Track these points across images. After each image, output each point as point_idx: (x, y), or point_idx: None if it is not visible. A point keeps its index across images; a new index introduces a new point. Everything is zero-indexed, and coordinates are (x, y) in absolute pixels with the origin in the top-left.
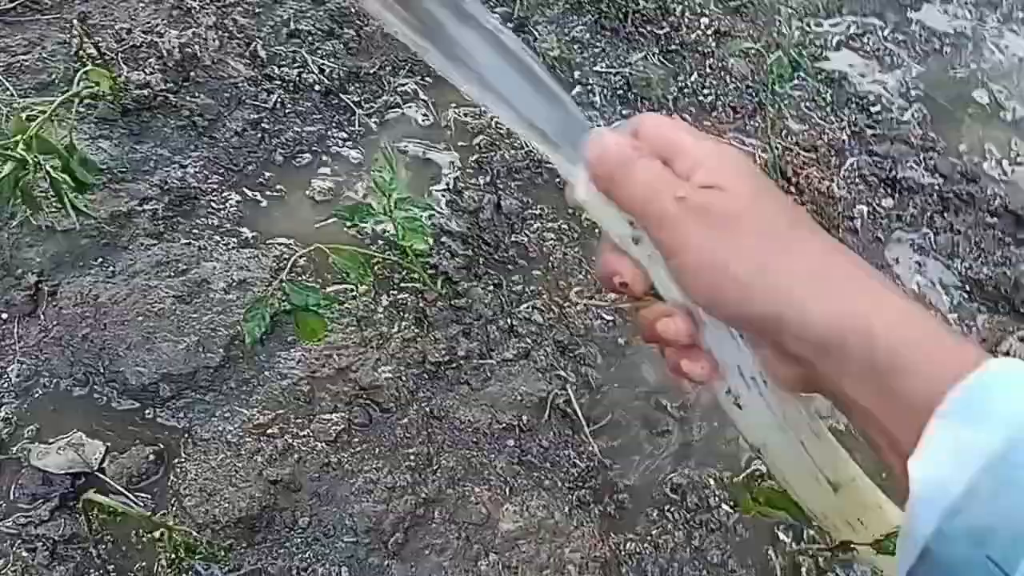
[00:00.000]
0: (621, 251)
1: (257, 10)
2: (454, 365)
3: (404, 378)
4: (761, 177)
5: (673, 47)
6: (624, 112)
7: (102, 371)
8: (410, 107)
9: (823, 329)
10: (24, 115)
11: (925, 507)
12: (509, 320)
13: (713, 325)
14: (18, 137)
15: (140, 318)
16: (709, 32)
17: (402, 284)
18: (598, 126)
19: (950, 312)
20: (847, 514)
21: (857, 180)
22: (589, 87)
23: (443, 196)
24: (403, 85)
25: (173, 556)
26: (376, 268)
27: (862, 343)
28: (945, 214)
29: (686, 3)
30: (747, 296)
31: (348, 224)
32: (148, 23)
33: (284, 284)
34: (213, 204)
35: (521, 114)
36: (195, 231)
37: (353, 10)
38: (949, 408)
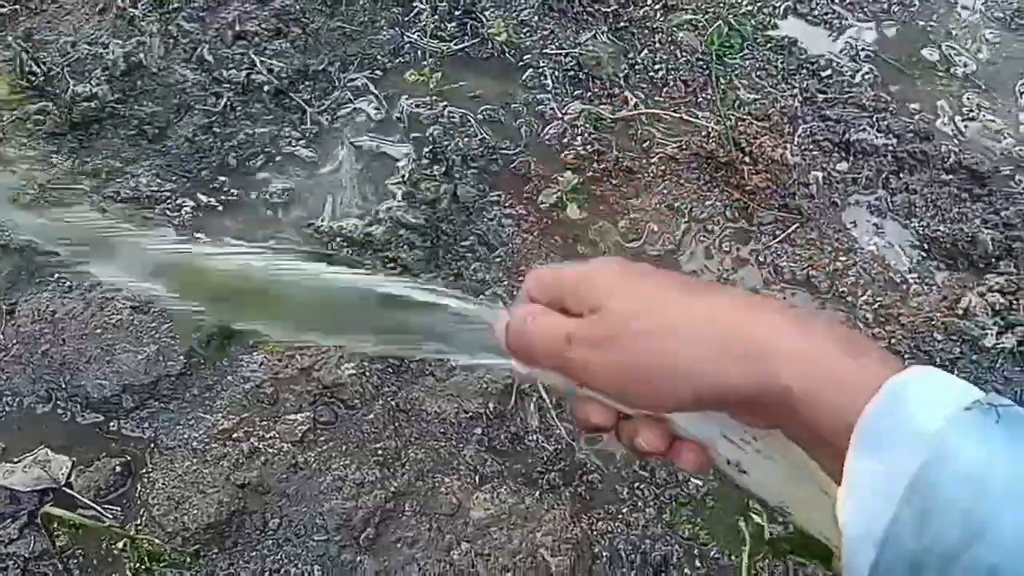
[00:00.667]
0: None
1: (201, 14)
2: (418, 358)
3: (368, 374)
4: (627, 272)
5: (622, 24)
6: (576, 92)
7: (64, 386)
8: (362, 102)
9: (741, 393)
10: None
11: (859, 542)
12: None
13: (680, 418)
14: None
15: (99, 331)
16: (657, 7)
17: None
18: (501, 305)
19: (909, 272)
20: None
21: (811, 146)
22: (540, 70)
23: (399, 189)
24: (353, 80)
25: (139, 566)
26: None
27: (776, 394)
28: (900, 174)
29: None
30: (664, 392)
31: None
32: (92, 35)
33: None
34: (168, 212)
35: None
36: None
37: (299, 7)
38: (860, 439)
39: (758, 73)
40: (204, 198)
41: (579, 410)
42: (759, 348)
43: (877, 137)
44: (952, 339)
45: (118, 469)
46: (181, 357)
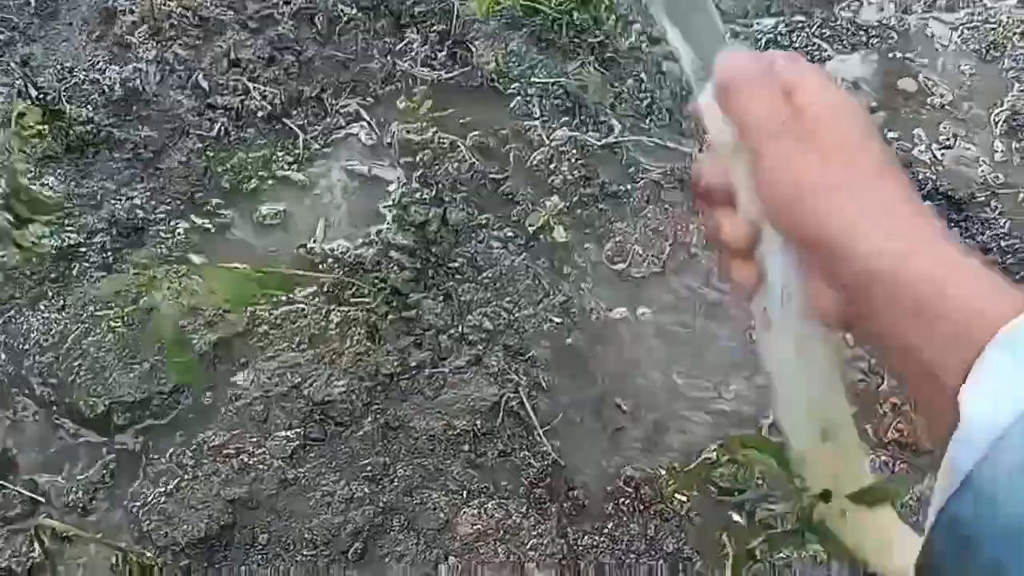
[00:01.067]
0: (715, 162)
1: (196, 42)
2: (407, 376)
3: (358, 392)
4: (869, 130)
5: (608, 55)
6: (563, 120)
7: (56, 403)
8: (353, 127)
9: (876, 261)
10: None
11: (976, 432)
12: (460, 328)
13: (773, 241)
14: None
15: (92, 349)
16: (642, 38)
17: (352, 300)
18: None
19: None
20: (826, 466)
21: None
22: (528, 98)
23: (390, 212)
24: (345, 106)
25: None
26: (325, 286)
27: (913, 279)
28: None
29: (618, 13)
30: (812, 214)
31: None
32: (89, 61)
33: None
34: (162, 234)
35: (674, 17)
36: (144, 261)
37: (292, 36)
38: (1002, 342)
39: None
40: (198, 220)
41: (707, 168)
42: (921, 233)
43: None
44: None
45: (108, 484)
46: (172, 375)
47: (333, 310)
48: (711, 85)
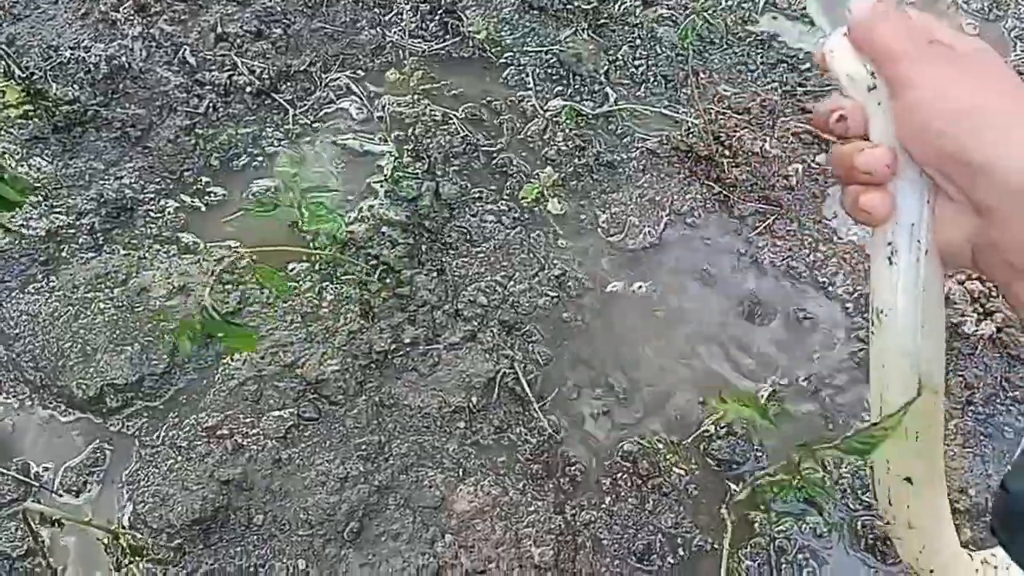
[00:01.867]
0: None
1: (183, 17)
2: (401, 353)
3: (352, 370)
4: (1007, 68)
5: (602, 21)
6: (556, 89)
7: (48, 386)
8: (344, 102)
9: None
10: None
11: None
12: (454, 304)
13: (909, 174)
14: None
15: (82, 331)
16: (636, 2)
17: (345, 277)
18: None
19: None
20: (909, 420)
21: (791, 139)
22: (521, 67)
23: (381, 187)
24: (335, 80)
25: (122, 560)
26: (317, 264)
27: None
28: None
29: None
30: (967, 136)
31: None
32: (75, 39)
33: (203, 311)
34: (151, 213)
35: None
36: (134, 241)
37: (279, 9)
38: None
39: (738, 68)
40: (187, 199)
41: (840, 102)
42: None
43: None
44: None
45: (104, 466)
46: (165, 356)
47: (326, 287)
48: (842, 28)
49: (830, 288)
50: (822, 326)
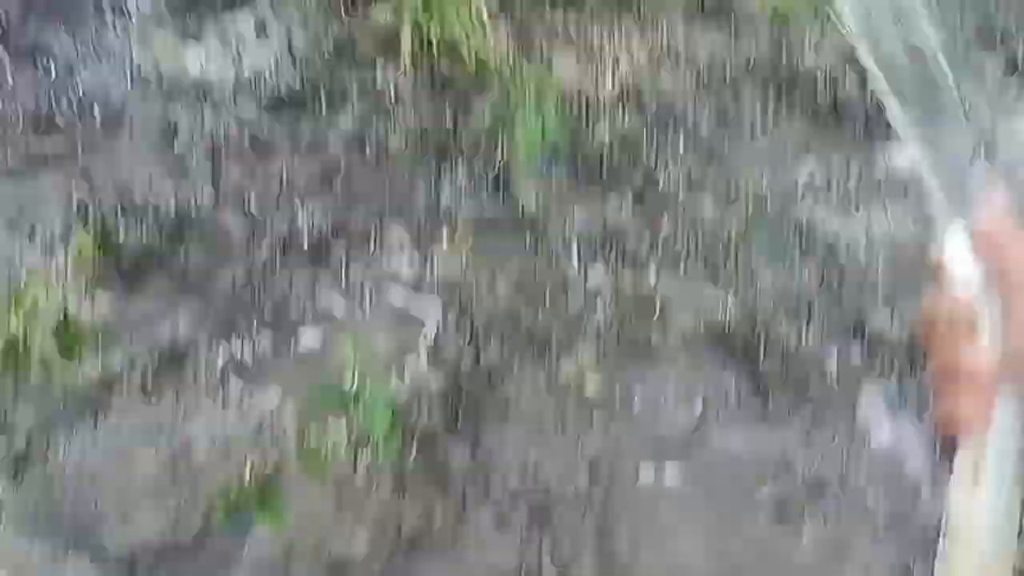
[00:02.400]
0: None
1: (251, 163)
2: (429, 535)
3: (380, 548)
4: None
5: (648, 197)
6: (599, 263)
7: (82, 540)
8: (396, 258)
9: None
10: (22, 282)
11: None
12: (486, 482)
13: (1013, 391)
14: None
15: (122, 485)
16: (681, 180)
17: (379, 446)
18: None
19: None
20: None
21: (826, 330)
22: (567, 236)
23: (424, 352)
24: (390, 235)
25: None
26: (354, 431)
27: None
28: (913, 368)
29: (658, 153)
30: None
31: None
32: (146, 179)
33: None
34: (202, 362)
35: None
36: (182, 391)
37: (343, 161)
38: None
39: (776, 253)
40: (238, 349)
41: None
42: None
43: (892, 327)
44: None
45: None
46: (199, 519)
47: (361, 451)
48: (962, 227)
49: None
50: (855, 542)
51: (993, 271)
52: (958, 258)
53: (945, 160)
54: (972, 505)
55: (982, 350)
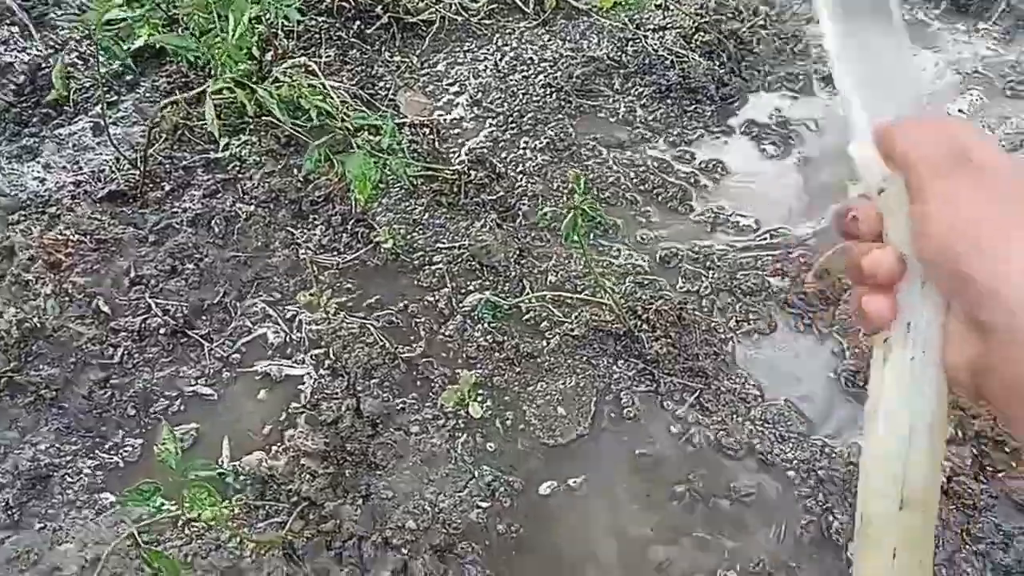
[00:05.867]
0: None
1: (95, 266)
2: None
3: None
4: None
5: (507, 212)
6: (471, 284)
7: None
8: (261, 328)
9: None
10: None
11: None
12: (382, 533)
13: (914, 279)
14: None
15: None
16: (537, 191)
17: (267, 517)
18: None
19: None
20: (887, 535)
21: (706, 302)
22: (435, 266)
23: (301, 414)
24: (251, 307)
25: None
26: (237, 511)
27: None
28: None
29: (516, 164)
30: (977, 252)
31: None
32: None
33: None
34: (68, 478)
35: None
36: (50, 512)
37: (191, 244)
38: None
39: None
40: (105, 456)
41: (855, 203)
42: None
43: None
44: None
45: None
46: None
47: (246, 537)
48: (871, 130)
49: (768, 458)
50: (765, 502)
51: (903, 156)
52: (863, 152)
53: (867, 58)
54: (886, 386)
55: (887, 251)
